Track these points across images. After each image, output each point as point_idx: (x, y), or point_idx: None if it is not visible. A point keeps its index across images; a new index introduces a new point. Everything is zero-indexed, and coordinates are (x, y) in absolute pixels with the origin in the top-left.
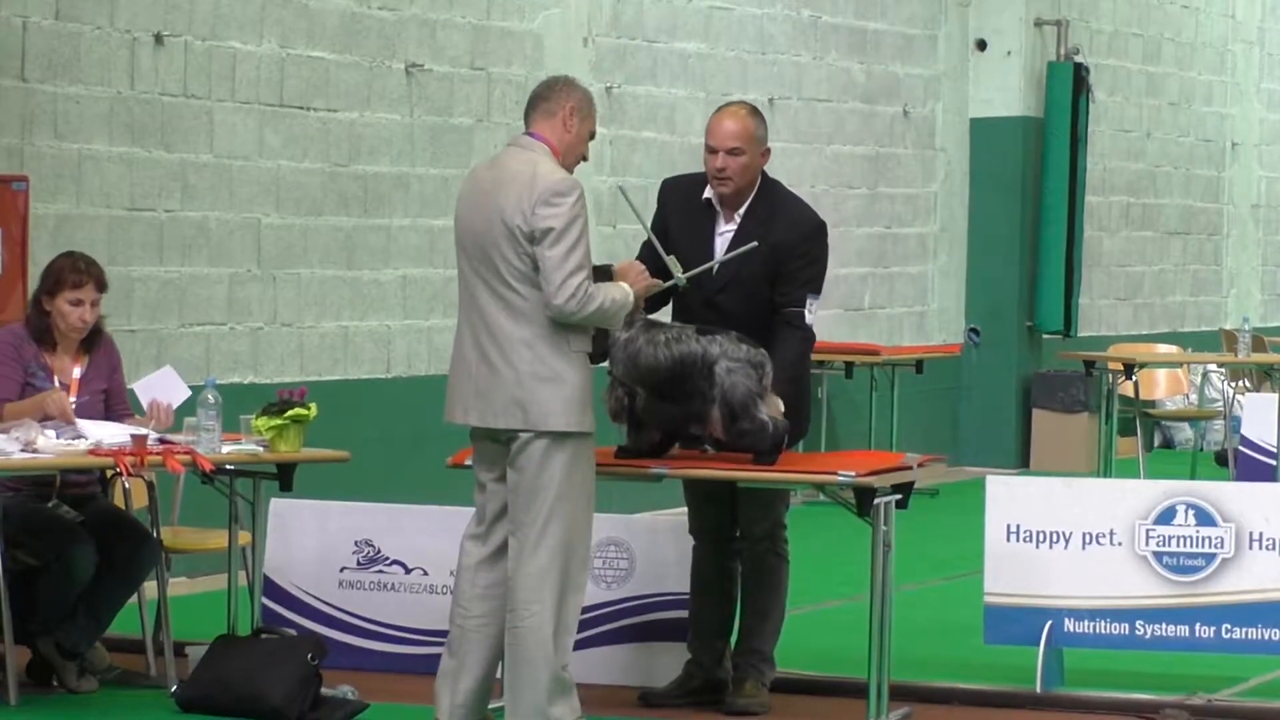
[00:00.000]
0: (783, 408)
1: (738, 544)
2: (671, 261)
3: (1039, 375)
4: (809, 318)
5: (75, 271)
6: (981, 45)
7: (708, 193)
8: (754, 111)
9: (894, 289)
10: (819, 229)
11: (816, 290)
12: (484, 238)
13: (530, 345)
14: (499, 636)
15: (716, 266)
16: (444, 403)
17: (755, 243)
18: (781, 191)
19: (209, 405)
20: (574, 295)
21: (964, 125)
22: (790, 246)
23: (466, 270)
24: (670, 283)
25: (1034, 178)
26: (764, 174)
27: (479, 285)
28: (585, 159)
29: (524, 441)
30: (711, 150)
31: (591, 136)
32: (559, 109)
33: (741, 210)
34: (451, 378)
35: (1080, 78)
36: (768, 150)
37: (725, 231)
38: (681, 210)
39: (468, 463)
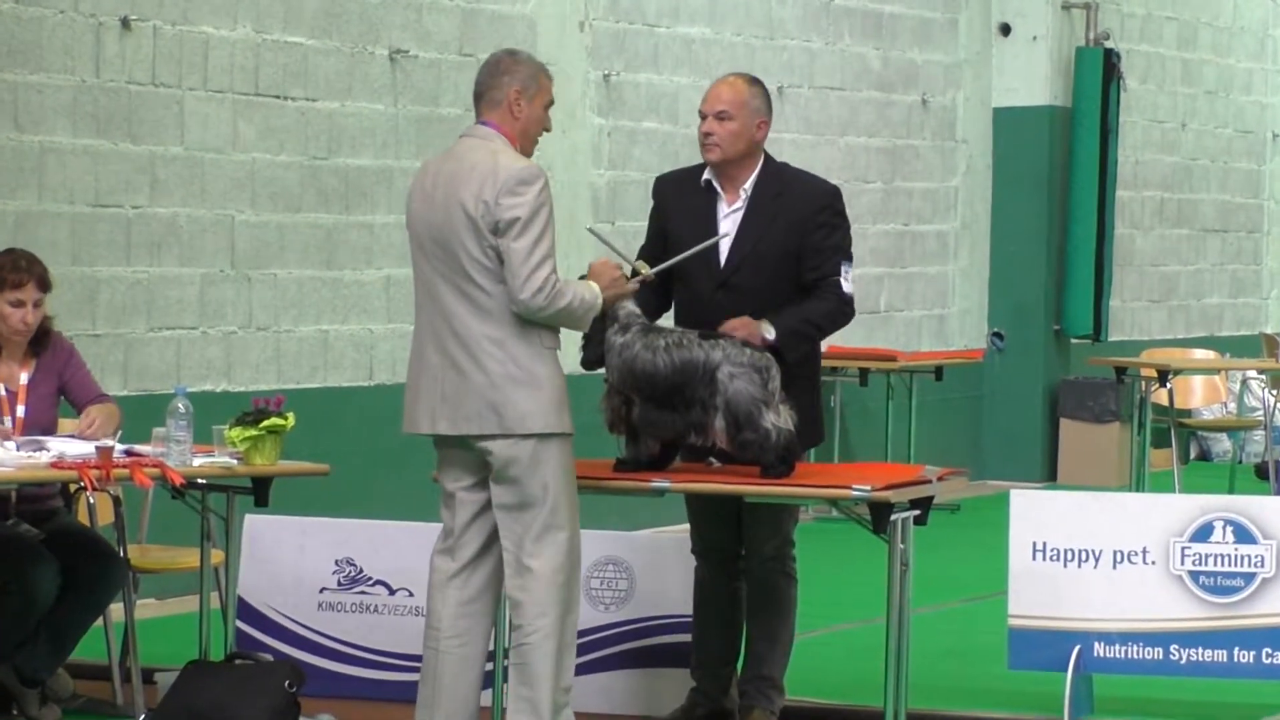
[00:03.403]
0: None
1: (743, 563)
2: (639, 264)
3: (1067, 383)
4: (847, 286)
5: (15, 270)
6: (1005, 30)
7: (707, 174)
8: (753, 81)
9: (912, 290)
10: (834, 195)
11: (848, 257)
12: (444, 232)
13: (500, 344)
14: (478, 658)
15: (709, 245)
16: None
17: (715, 238)
18: (790, 169)
19: (179, 415)
20: (541, 289)
21: (987, 115)
22: (808, 218)
23: (425, 269)
24: (639, 278)
25: (1061, 171)
26: (768, 155)
27: (440, 284)
28: (548, 129)
29: (504, 449)
30: (701, 115)
31: (549, 106)
32: (503, 98)
33: (748, 186)
34: (411, 385)
35: (1111, 65)
36: (764, 122)
37: (735, 210)
38: (680, 202)
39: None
